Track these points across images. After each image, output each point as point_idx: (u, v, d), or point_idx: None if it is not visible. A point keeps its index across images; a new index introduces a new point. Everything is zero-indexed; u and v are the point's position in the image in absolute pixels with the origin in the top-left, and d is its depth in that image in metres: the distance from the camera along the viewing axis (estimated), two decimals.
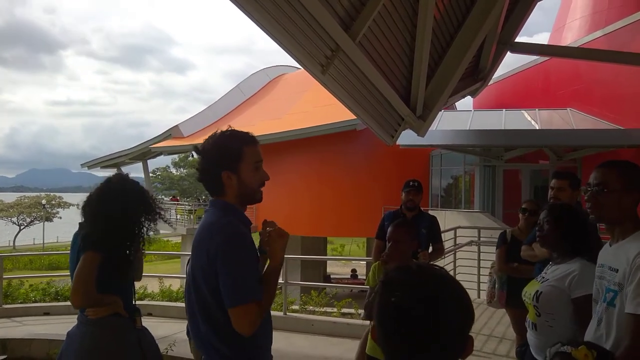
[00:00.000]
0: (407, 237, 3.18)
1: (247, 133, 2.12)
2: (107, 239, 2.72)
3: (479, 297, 8.04)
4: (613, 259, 2.10)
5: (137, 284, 3.14)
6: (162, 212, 3.09)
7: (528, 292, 2.73)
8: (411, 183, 4.86)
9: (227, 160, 2.04)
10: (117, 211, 2.79)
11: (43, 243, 45.26)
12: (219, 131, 2.10)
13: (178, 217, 27.88)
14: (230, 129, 2.12)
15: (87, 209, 2.86)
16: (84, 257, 2.66)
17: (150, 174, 37.77)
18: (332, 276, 25.44)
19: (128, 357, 2.78)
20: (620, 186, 2.07)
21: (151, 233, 3.04)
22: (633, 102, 14.68)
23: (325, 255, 26.36)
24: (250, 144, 2.09)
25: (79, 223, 2.89)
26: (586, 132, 15.02)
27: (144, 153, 30.33)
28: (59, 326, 6.51)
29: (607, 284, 2.09)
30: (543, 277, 2.70)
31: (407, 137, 8.80)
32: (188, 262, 2.21)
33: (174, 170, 61.89)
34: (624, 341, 1.92)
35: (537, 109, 17.37)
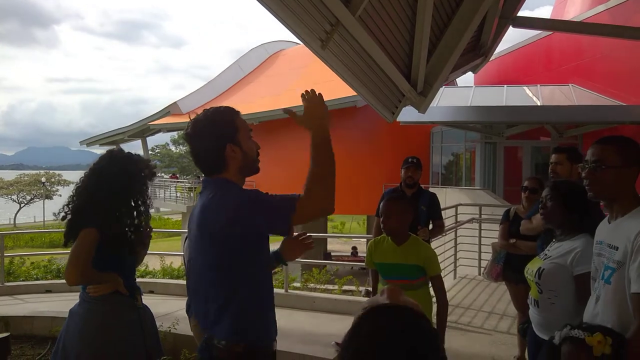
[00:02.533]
0: (393, 212, 3.07)
1: (228, 106, 2.16)
2: (105, 214, 2.69)
3: (479, 274, 8.07)
4: (612, 236, 2.09)
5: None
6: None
7: (530, 269, 2.73)
8: (410, 160, 4.85)
9: (227, 134, 2.05)
10: (117, 183, 2.75)
11: (44, 221, 45.36)
12: (202, 112, 2.11)
13: (178, 194, 27.90)
14: (210, 107, 2.14)
15: (85, 184, 2.81)
16: (81, 234, 2.63)
17: (150, 152, 37.72)
18: (332, 254, 25.56)
19: (130, 335, 2.77)
20: (617, 162, 2.06)
21: (151, 210, 3.00)
22: (635, 77, 14.55)
23: (326, 232, 26.44)
24: (239, 115, 2.13)
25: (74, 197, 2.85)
26: (588, 108, 14.89)
27: (142, 130, 30.27)
28: (61, 304, 6.55)
29: (605, 261, 2.09)
30: (546, 255, 2.69)
31: (407, 114, 8.74)
32: (185, 239, 2.19)
33: (173, 148, 61.82)
34: (634, 321, 1.91)
35: (538, 85, 17.25)
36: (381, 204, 3.23)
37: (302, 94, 2.09)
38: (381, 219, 3.15)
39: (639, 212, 2.03)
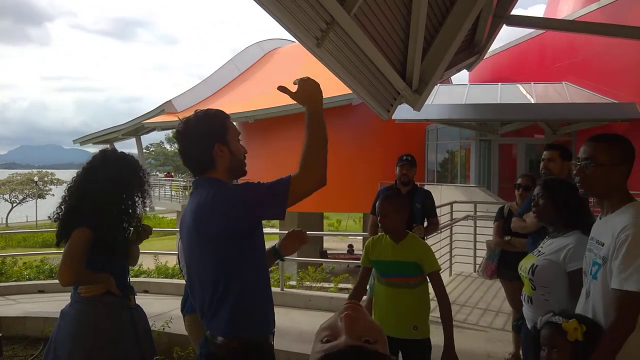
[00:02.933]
0: (388, 211, 3.05)
1: (219, 109, 2.20)
2: (99, 214, 2.66)
3: (475, 271, 8.09)
4: (601, 232, 2.12)
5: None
6: (149, 190, 3.02)
7: (524, 265, 2.74)
8: (404, 157, 4.86)
9: (216, 134, 2.10)
10: (111, 183, 2.72)
11: (36, 220, 45.13)
12: (194, 113, 2.15)
13: (172, 193, 27.81)
14: (202, 109, 2.18)
15: (77, 184, 2.79)
16: (75, 234, 2.60)
17: (144, 150, 37.58)
18: (328, 252, 25.55)
19: (122, 335, 2.75)
20: (608, 160, 2.07)
21: (146, 209, 2.98)
22: (628, 75, 14.66)
23: (322, 230, 26.44)
24: (229, 118, 2.20)
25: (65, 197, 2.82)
26: (581, 105, 15.01)
27: (137, 129, 30.11)
28: (54, 304, 6.50)
29: (593, 256, 2.12)
30: (539, 251, 2.71)
31: (403, 112, 8.75)
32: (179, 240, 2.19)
33: (167, 146, 61.56)
34: (611, 316, 1.95)
35: (532, 83, 17.33)
36: (377, 202, 3.22)
37: (295, 80, 2.11)
38: (378, 218, 3.15)
39: (626, 209, 2.05)
